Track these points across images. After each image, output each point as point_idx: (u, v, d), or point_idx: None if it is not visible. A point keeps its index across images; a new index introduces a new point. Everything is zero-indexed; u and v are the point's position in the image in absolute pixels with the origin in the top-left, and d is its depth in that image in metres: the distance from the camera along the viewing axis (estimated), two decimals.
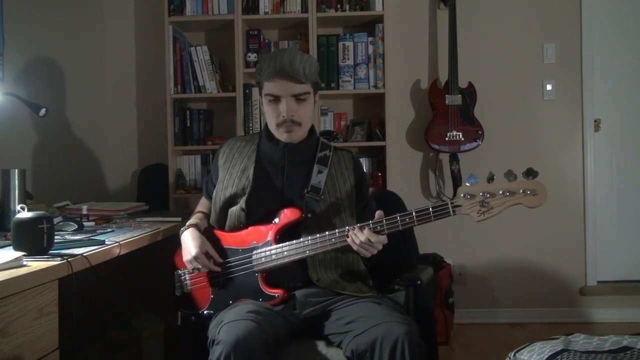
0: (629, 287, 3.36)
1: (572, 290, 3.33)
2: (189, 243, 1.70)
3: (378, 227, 1.53)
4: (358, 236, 1.53)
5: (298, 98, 1.68)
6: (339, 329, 1.55)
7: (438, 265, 3.02)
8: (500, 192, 1.43)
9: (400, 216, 1.52)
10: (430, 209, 1.49)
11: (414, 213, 1.50)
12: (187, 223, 1.79)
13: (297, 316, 1.62)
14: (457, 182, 3.19)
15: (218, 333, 1.46)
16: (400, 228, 1.52)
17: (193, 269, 1.69)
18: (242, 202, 1.72)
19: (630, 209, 3.42)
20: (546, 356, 1.29)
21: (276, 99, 1.68)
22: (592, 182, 3.33)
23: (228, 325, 1.45)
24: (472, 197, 1.45)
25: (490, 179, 1.44)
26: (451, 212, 1.47)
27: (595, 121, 3.35)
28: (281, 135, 1.72)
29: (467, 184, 1.46)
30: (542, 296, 3.31)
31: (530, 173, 1.42)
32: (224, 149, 1.86)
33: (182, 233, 1.76)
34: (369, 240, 1.52)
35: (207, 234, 1.75)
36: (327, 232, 1.59)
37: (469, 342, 3.01)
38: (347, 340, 1.50)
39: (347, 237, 1.55)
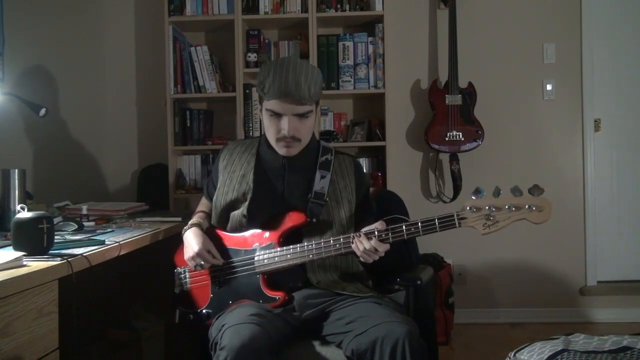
0: (629, 287, 3.36)
1: (572, 290, 3.33)
2: (192, 241, 1.70)
3: (383, 236, 1.53)
4: (363, 243, 1.53)
5: (300, 116, 1.65)
6: (339, 329, 1.56)
7: (438, 265, 3.02)
8: (506, 207, 1.45)
9: (405, 226, 1.52)
10: (436, 220, 1.50)
11: (419, 223, 1.51)
12: (190, 222, 1.79)
13: (297, 318, 1.62)
14: (457, 182, 3.19)
15: (221, 337, 1.45)
16: (406, 237, 1.53)
17: (195, 266, 1.69)
18: (243, 209, 1.72)
19: (630, 209, 3.42)
20: (546, 356, 1.29)
21: (277, 115, 1.65)
22: (592, 182, 3.33)
23: (231, 329, 1.45)
24: (478, 210, 1.46)
25: (497, 193, 1.46)
26: (457, 224, 1.48)
27: (595, 121, 3.35)
28: (280, 149, 1.70)
29: (473, 197, 1.47)
30: (542, 296, 3.32)
31: (536, 189, 1.44)
32: (224, 153, 1.85)
33: (184, 232, 1.76)
34: (375, 248, 1.52)
35: (209, 233, 1.75)
36: (331, 239, 1.59)
37: (469, 342, 3.01)
38: (348, 340, 1.50)
39: (352, 243, 1.55)
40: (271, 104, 1.64)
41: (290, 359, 1.55)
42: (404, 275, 1.74)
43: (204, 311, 1.71)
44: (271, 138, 1.70)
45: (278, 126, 1.65)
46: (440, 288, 2.98)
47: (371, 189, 1.95)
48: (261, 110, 1.72)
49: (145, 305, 2.46)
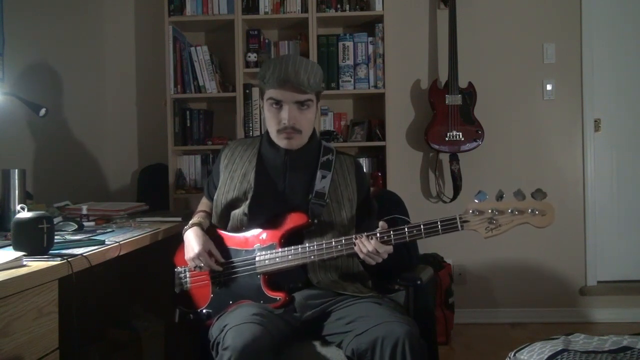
0: (629, 287, 3.36)
1: (572, 290, 3.33)
2: (192, 241, 1.70)
3: (385, 238, 1.53)
4: (366, 245, 1.53)
5: (300, 105, 1.67)
6: (340, 328, 1.56)
7: (438, 265, 3.02)
8: (509, 211, 1.45)
9: (408, 228, 1.52)
10: (439, 222, 1.50)
11: (422, 226, 1.51)
12: (190, 222, 1.79)
13: (298, 319, 1.62)
14: (457, 182, 3.19)
15: (224, 337, 1.45)
16: (408, 240, 1.53)
17: (195, 267, 1.69)
18: (244, 207, 1.72)
19: (630, 209, 3.42)
20: (546, 356, 1.29)
21: (278, 105, 1.67)
22: (592, 182, 3.33)
23: (234, 329, 1.45)
24: (480, 214, 1.46)
25: (500, 197, 1.46)
26: (459, 227, 1.48)
27: (595, 121, 3.35)
28: (281, 141, 1.71)
29: (476, 201, 1.47)
30: (542, 296, 3.31)
31: (539, 193, 1.44)
32: (226, 151, 1.85)
33: (185, 231, 1.77)
34: (377, 250, 1.52)
35: (210, 233, 1.75)
36: (333, 240, 1.59)
37: (469, 342, 3.01)
38: (348, 340, 1.50)
39: (354, 244, 1.55)
40: (272, 92, 1.67)
41: (290, 359, 1.55)
42: (404, 275, 1.74)
43: (204, 311, 1.71)
44: (272, 130, 1.71)
45: (278, 117, 1.67)
46: (440, 288, 2.98)
47: (371, 189, 1.95)
48: (262, 107, 1.74)
49: (145, 305, 2.46)
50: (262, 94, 1.73)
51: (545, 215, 1.43)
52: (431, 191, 3.34)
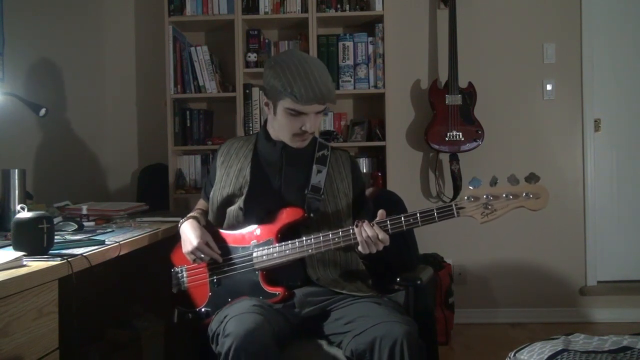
0: (629, 287, 3.36)
1: (572, 290, 3.33)
2: (189, 234, 1.70)
3: (382, 226, 1.54)
4: (367, 230, 1.53)
5: (319, 112, 1.69)
6: (339, 328, 1.56)
7: (438, 265, 3.02)
8: (504, 195, 1.46)
9: (404, 216, 1.53)
10: (435, 210, 1.51)
11: (418, 214, 1.52)
12: (187, 216, 1.79)
13: (297, 315, 1.62)
14: (457, 182, 3.19)
15: (225, 326, 1.46)
16: (405, 228, 1.53)
17: (194, 260, 1.69)
18: (240, 202, 1.72)
19: (630, 209, 3.42)
20: (546, 356, 1.29)
21: (299, 114, 1.64)
22: (592, 182, 3.33)
23: (235, 318, 1.45)
24: (475, 200, 1.47)
25: (494, 182, 1.46)
26: (455, 213, 1.49)
27: (595, 121, 3.35)
28: (294, 143, 1.71)
29: (471, 187, 1.47)
30: (542, 296, 3.32)
31: (533, 177, 1.45)
32: (222, 149, 1.86)
33: (181, 225, 1.76)
34: (377, 236, 1.52)
35: (206, 229, 1.75)
36: (329, 232, 1.59)
37: (469, 342, 3.01)
38: (347, 340, 1.50)
39: (356, 226, 1.55)
40: (294, 105, 1.61)
41: (290, 359, 1.55)
42: (404, 275, 1.74)
43: (202, 310, 1.71)
44: (286, 134, 1.69)
45: (299, 123, 1.65)
46: (440, 288, 2.98)
47: (371, 189, 1.96)
48: (274, 106, 1.68)
49: (145, 305, 2.46)
50: (275, 98, 1.66)
51: (539, 198, 1.45)
52: (431, 191, 3.34)
